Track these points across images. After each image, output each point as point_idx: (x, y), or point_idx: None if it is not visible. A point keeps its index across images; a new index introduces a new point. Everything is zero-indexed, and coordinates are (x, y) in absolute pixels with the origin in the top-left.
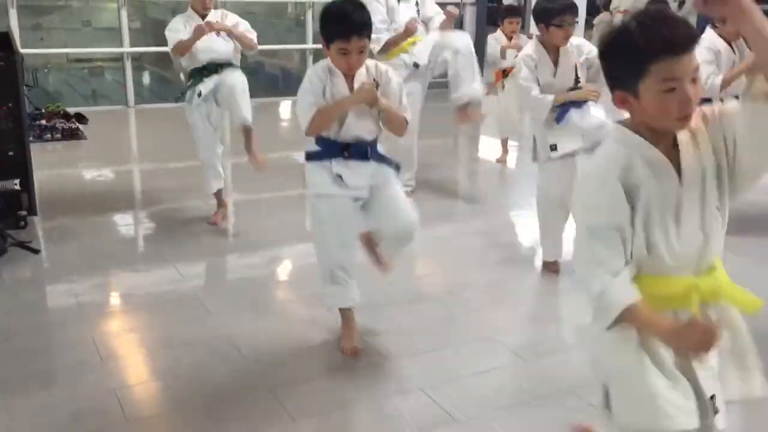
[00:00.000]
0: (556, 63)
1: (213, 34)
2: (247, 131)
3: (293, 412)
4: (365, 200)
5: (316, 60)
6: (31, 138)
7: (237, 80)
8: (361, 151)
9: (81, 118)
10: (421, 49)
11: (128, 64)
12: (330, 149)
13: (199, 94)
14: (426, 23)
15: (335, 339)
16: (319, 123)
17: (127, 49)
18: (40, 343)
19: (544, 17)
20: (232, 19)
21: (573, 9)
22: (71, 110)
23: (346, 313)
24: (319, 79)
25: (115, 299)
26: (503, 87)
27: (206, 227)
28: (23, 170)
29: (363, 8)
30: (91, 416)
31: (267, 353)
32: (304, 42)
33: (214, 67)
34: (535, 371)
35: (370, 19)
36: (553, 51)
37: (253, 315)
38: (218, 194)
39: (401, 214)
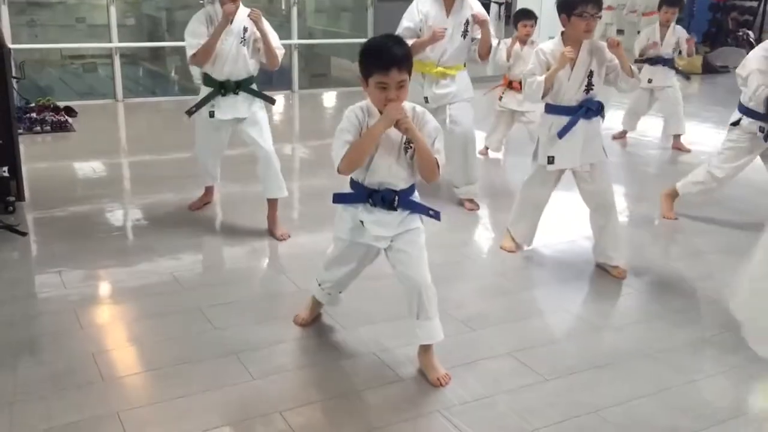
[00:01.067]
0: (573, 64)
1: (242, 46)
2: (272, 202)
3: (254, 373)
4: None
5: (301, 55)
6: (21, 130)
7: (266, 140)
8: (387, 199)
9: (70, 111)
10: (443, 85)
11: (117, 60)
12: (358, 194)
13: (211, 115)
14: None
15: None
16: (352, 157)
17: (115, 44)
18: (24, 313)
19: (566, 8)
20: (265, 24)
21: (595, 0)
22: (61, 104)
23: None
24: (357, 117)
25: (97, 276)
26: (500, 98)
27: (190, 216)
28: (11, 158)
29: (403, 44)
30: (70, 376)
31: (235, 324)
32: (290, 38)
33: (233, 86)
34: (479, 337)
35: (410, 54)
36: (574, 48)
37: (226, 291)
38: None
39: (411, 273)
